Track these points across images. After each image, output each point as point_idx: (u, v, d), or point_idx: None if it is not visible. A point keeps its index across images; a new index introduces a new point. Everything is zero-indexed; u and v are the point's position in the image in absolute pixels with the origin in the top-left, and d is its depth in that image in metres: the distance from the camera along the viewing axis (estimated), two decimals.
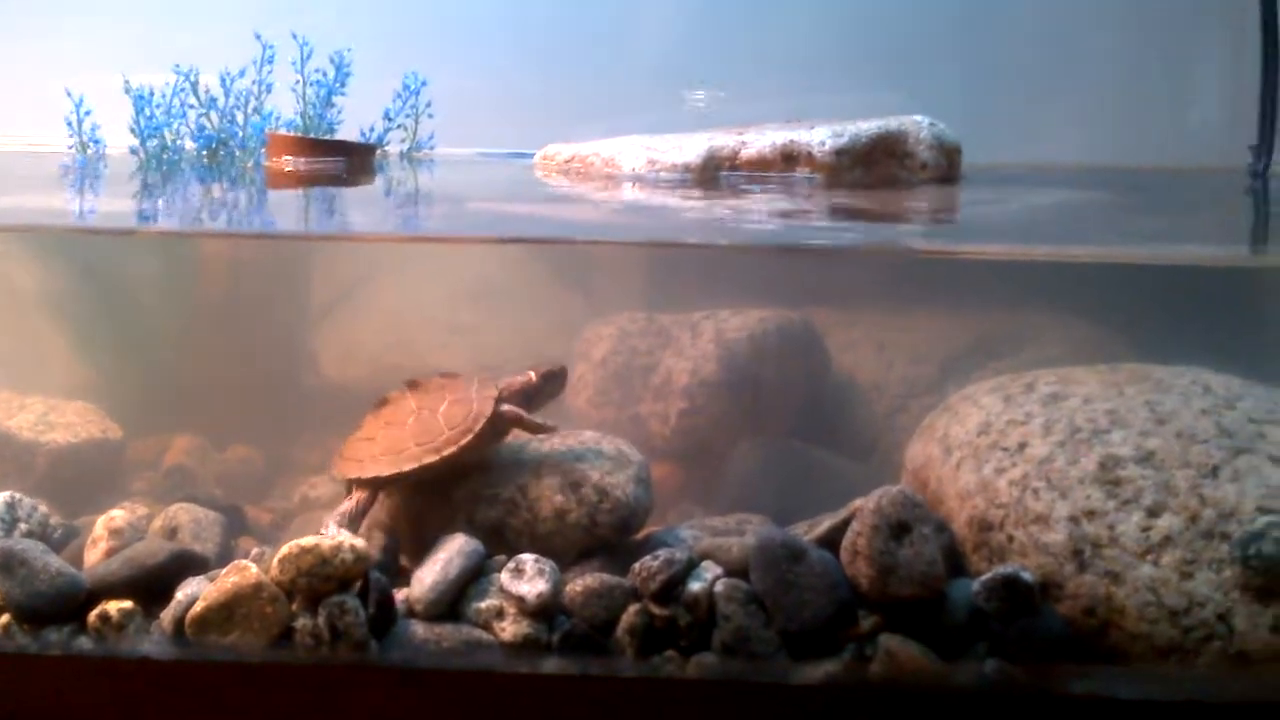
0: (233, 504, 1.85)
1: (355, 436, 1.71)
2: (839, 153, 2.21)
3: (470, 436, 1.67)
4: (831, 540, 1.54)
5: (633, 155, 2.28)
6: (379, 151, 2.64)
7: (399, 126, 2.65)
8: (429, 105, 2.66)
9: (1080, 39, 2.63)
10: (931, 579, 1.48)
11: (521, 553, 1.59)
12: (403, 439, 1.70)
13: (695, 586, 1.51)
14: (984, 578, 1.47)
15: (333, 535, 1.54)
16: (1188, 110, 2.62)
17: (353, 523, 1.67)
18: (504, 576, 1.56)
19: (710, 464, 2.02)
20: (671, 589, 1.52)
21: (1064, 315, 2.06)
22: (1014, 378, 1.76)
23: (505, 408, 1.70)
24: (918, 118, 2.27)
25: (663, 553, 1.55)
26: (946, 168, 2.25)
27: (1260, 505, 1.45)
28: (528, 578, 1.56)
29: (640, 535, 1.72)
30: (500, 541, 1.65)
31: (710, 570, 1.53)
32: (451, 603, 1.57)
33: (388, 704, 1.52)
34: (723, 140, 2.25)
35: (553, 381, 1.80)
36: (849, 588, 1.49)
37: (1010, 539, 1.54)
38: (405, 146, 2.65)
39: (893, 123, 2.27)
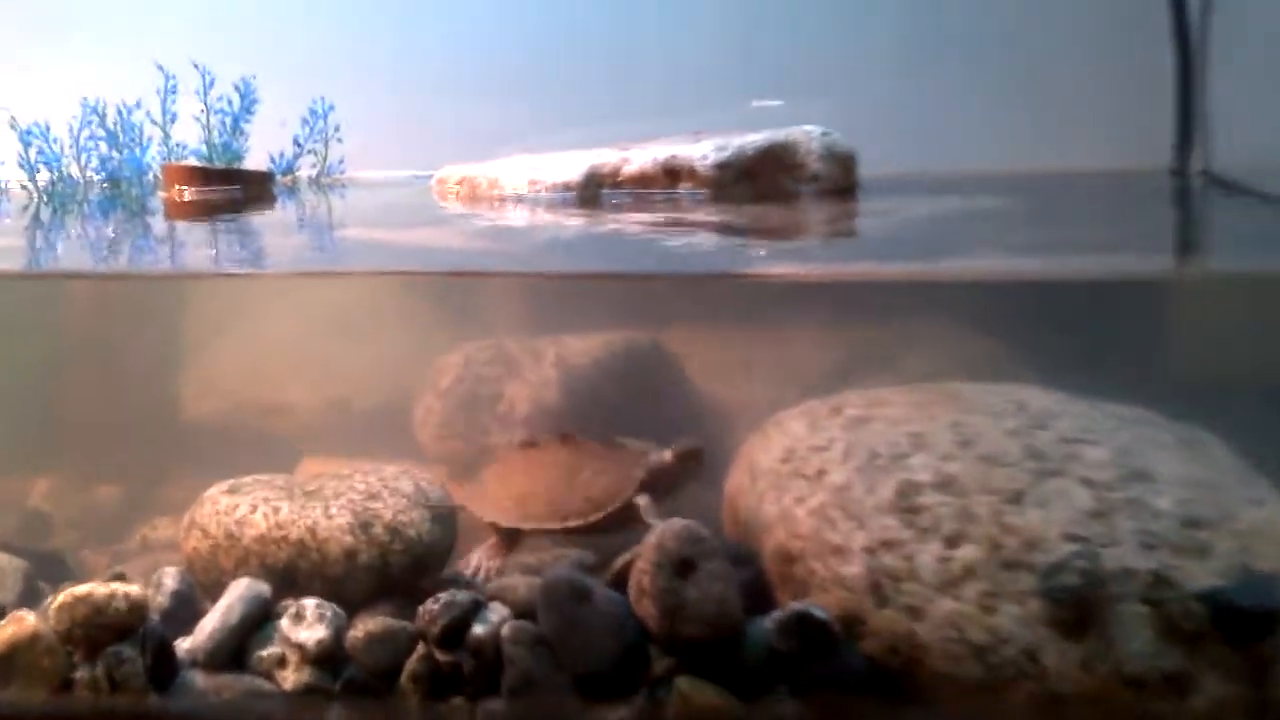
0: (51, 549, 1.81)
1: (497, 469, 1.73)
2: (721, 166, 2.12)
3: (600, 515, 1.67)
4: (623, 578, 1.49)
5: (515, 176, 2.23)
6: (288, 178, 2.60)
7: (309, 152, 2.58)
8: (338, 130, 2.61)
9: (991, 39, 2.53)
10: (722, 618, 1.41)
11: (314, 596, 1.56)
12: (535, 494, 1.69)
13: (480, 629, 1.47)
14: (776, 615, 1.42)
15: (114, 586, 1.51)
16: (1107, 109, 2.48)
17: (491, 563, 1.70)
18: (284, 622, 1.52)
19: None
20: (456, 632, 1.47)
21: (939, 328, 1.98)
22: (824, 401, 1.68)
23: (641, 500, 1.68)
24: (808, 128, 2.16)
25: (444, 595, 1.49)
26: (840, 177, 2.14)
27: (1066, 533, 1.38)
28: (308, 623, 1.52)
29: (445, 574, 1.70)
30: (292, 585, 1.61)
31: (497, 612, 1.49)
32: (234, 651, 1.53)
33: None
34: (604, 157, 2.18)
35: (689, 461, 1.76)
36: (638, 628, 1.44)
37: (811, 572, 1.48)
38: (315, 172, 2.59)
39: (780, 134, 2.17)
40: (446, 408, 2.05)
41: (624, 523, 1.66)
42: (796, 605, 1.43)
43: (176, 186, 2.47)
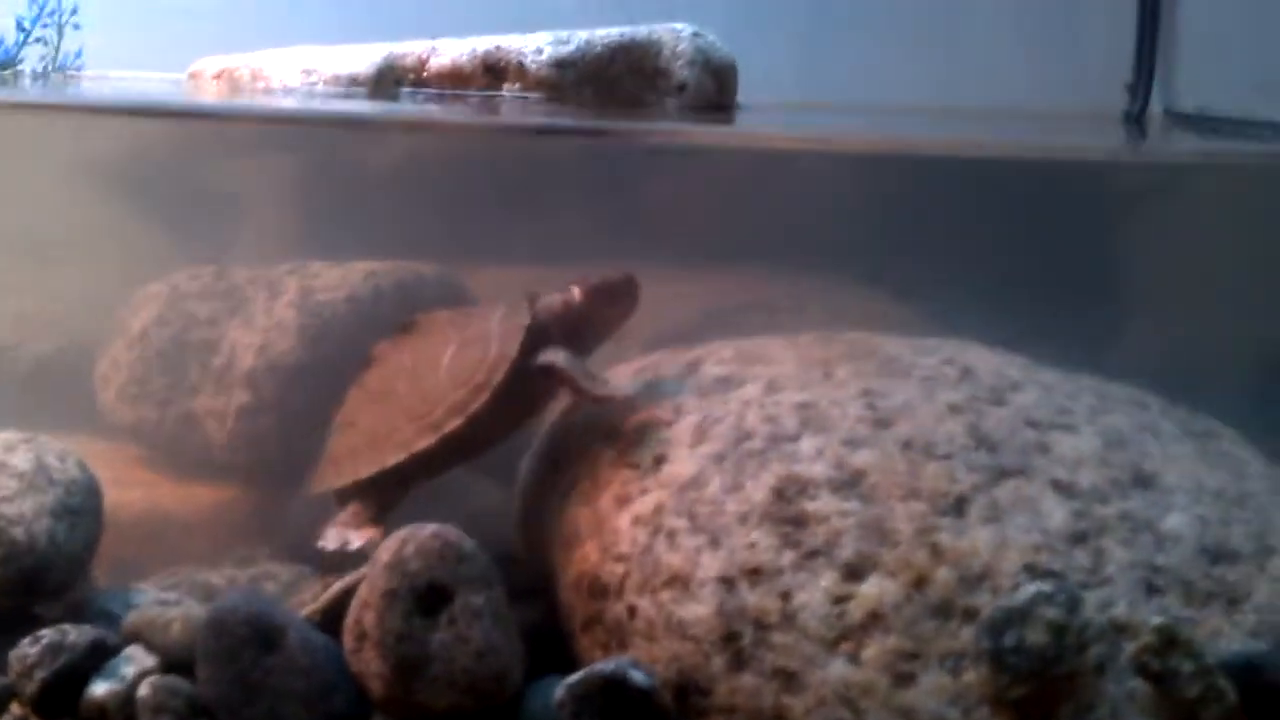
0: None
1: (337, 423, 1.36)
2: (561, 65, 1.84)
3: (486, 396, 1.24)
4: (338, 614, 1.13)
5: (285, 67, 1.97)
6: (8, 71, 2.19)
7: (37, 40, 2.20)
8: (74, 15, 2.22)
9: None
10: (486, 680, 1.08)
11: None
12: (391, 416, 1.29)
13: (102, 689, 1.10)
14: (573, 679, 1.06)
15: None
16: (1052, 45, 2.21)
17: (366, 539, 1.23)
18: None
19: (286, 487, 1.55)
20: (63, 691, 1.10)
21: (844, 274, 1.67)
22: (673, 354, 1.32)
23: (553, 357, 1.24)
24: (676, 25, 1.90)
25: (48, 633, 1.10)
26: (715, 92, 1.87)
27: (1029, 563, 1.07)
28: None
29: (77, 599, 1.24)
30: None
31: (135, 662, 1.13)
32: None
33: None
34: (407, 48, 1.92)
35: (608, 299, 1.34)
36: (354, 693, 1.10)
37: (632, 612, 1.13)
38: (45, 66, 2.25)
39: (641, 30, 1.90)
40: (139, 358, 1.67)
41: (534, 409, 1.28)
42: (605, 665, 1.10)
43: None
